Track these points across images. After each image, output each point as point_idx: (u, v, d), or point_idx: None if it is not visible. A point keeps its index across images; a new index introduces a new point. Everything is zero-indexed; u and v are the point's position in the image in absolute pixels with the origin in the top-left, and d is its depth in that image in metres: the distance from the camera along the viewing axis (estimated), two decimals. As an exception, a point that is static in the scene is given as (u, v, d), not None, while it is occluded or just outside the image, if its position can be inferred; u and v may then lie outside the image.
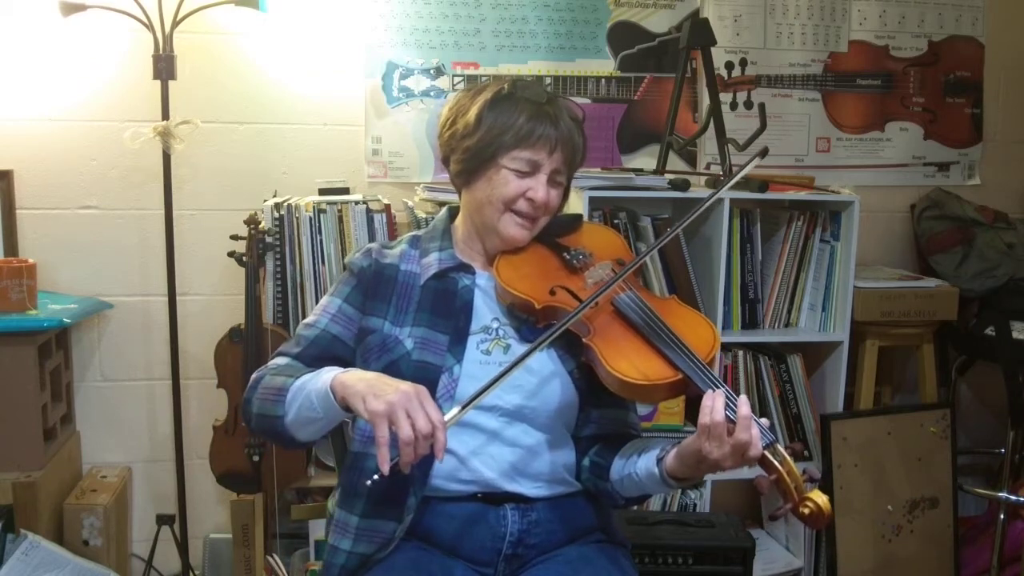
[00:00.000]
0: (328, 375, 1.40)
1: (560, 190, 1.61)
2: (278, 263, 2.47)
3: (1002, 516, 2.75)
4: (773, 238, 2.65)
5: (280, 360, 1.56)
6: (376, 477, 1.29)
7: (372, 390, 1.32)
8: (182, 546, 2.64)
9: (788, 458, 1.33)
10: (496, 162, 1.54)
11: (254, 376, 1.53)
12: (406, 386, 1.32)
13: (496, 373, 1.40)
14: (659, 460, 1.44)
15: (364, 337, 1.56)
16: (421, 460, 1.49)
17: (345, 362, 1.56)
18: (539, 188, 1.55)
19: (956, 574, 2.72)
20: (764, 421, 1.35)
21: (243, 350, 2.41)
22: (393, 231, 2.51)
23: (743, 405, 1.33)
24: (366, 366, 1.54)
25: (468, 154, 1.56)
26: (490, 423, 1.51)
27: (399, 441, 1.27)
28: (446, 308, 1.56)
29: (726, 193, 2.46)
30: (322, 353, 1.56)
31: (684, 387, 1.43)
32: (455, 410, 1.36)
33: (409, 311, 1.56)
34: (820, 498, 1.30)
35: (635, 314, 1.50)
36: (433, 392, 1.48)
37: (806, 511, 1.30)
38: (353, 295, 1.60)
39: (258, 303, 2.43)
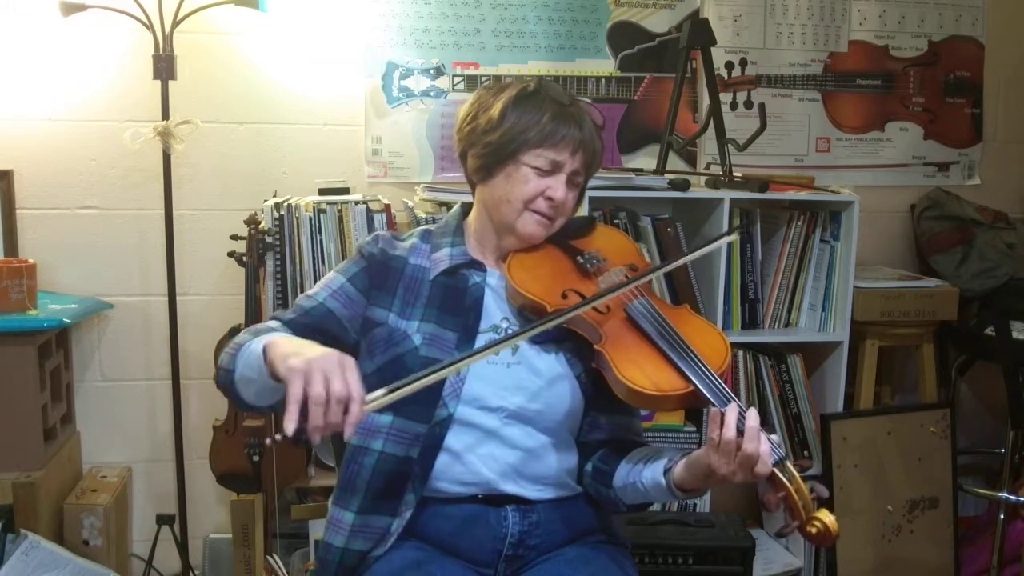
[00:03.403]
0: (268, 337, 1.38)
1: (576, 192, 1.60)
2: (278, 263, 2.47)
3: (1002, 516, 2.75)
4: (773, 238, 2.65)
5: (271, 323, 1.55)
6: (278, 436, 1.20)
7: (297, 350, 1.27)
8: (182, 546, 2.64)
9: (797, 475, 1.32)
10: (517, 159, 1.53)
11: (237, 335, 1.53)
12: (333, 353, 1.26)
13: (447, 363, 1.34)
14: (666, 471, 1.43)
15: (370, 329, 1.55)
16: (422, 457, 1.49)
17: (336, 339, 1.53)
18: (558, 187, 1.54)
19: (956, 574, 2.72)
20: (775, 437, 1.34)
21: (243, 350, 2.41)
22: (393, 231, 2.50)
23: (751, 418, 1.32)
24: (371, 359, 1.53)
25: (489, 149, 1.55)
26: (490, 422, 1.51)
27: (309, 400, 1.19)
28: (455, 305, 1.55)
29: (726, 193, 2.47)
30: (314, 324, 1.54)
31: (695, 399, 1.42)
32: (380, 392, 1.27)
33: (417, 306, 1.55)
34: (827, 518, 1.29)
35: (648, 322, 1.49)
36: (439, 389, 1.48)
37: (813, 530, 1.30)
38: (359, 277, 1.58)
39: (258, 303, 2.43)
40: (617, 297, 1.51)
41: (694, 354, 1.44)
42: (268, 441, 1.23)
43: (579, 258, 1.60)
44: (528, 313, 1.55)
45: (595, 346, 1.47)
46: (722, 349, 1.48)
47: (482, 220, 1.63)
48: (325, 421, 1.20)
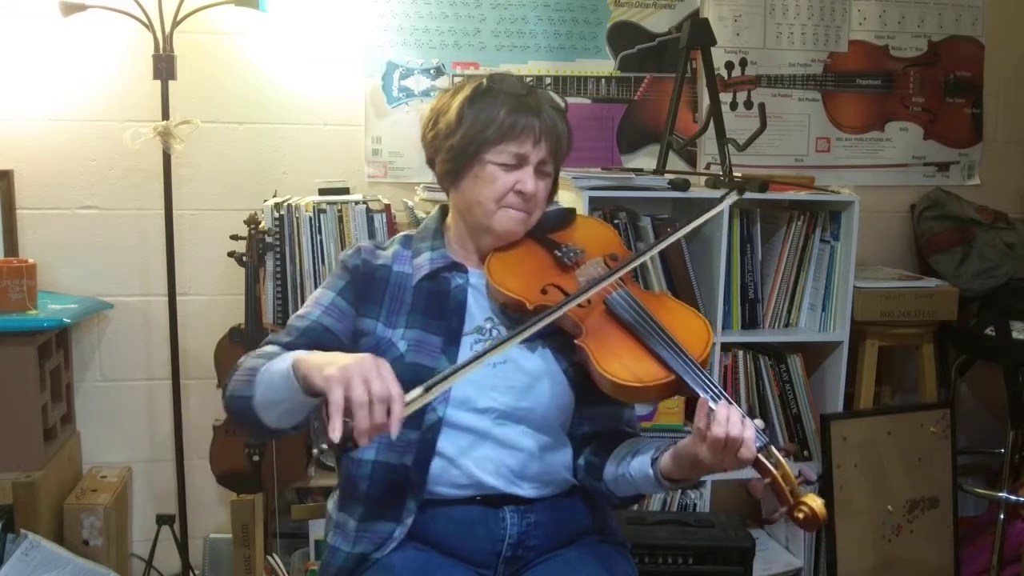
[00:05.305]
0: (293, 355, 1.37)
1: (548, 181, 1.59)
2: (278, 263, 2.47)
3: (1002, 516, 2.75)
4: (773, 238, 2.65)
5: (268, 348, 1.54)
6: (324, 446, 1.23)
7: (331, 361, 1.29)
8: (182, 546, 2.64)
9: (783, 460, 1.31)
10: (481, 159, 1.52)
11: (239, 361, 1.52)
12: (367, 356, 1.27)
13: (469, 363, 1.34)
14: (653, 461, 1.42)
15: (359, 339, 1.55)
16: (416, 463, 1.48)
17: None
18: (527, 180, 1.52)
19: (956, 574, 2.72)
20: (759, 422, 1.34)
21: (243, 350, 2.41)
22: (393, 231, 2.50)
23: (735, 406, 1.32)
24: None
25: (452, 153, 1.54)
26: (481, 424, 1.50)
27: (352, 404, 1.21)
28: (439, 309, 1.55)
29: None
30: (312, 344, 1.53)
31: (677, 388, 1.41)
32: (418, 390, 1.28)
33: (402, 312, 1.55)
34: (815, 502, 1.28)
35: (627, 313, 1.48)
36: None
37: (800, 515, 1.28)
38: (346, 290, 1.58)
39: (258, 303, 2.43)
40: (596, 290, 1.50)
41: (674, 342, 1.43)
42: (315, 451, 1.23)
43: (557, 252, 1.59)
44: (510, 311, 1.54)
45: (575, 341, 1.46)
46: (702, 334, 1.47)
47: (459, 223, 1.62)
48: (371, 423, 1.22)
